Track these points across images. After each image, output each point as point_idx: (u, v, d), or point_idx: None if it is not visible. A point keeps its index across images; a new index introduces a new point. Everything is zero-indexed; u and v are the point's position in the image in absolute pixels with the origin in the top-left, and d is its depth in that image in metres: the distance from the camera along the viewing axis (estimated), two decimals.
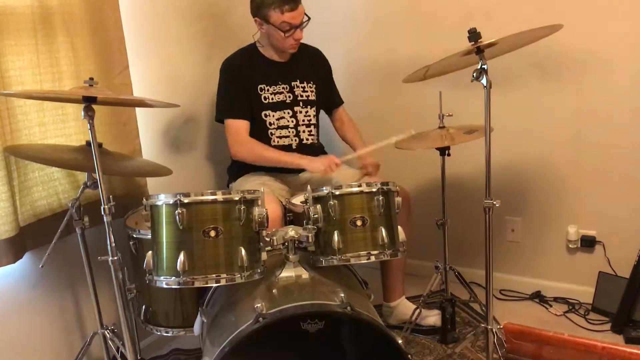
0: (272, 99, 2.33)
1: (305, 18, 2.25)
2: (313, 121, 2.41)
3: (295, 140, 2.36)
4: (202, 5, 2.56)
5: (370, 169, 2.34)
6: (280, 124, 2.34)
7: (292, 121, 2.36)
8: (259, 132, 2.33)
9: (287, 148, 2.34)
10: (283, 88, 2.35)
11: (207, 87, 2.56)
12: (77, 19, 1.95)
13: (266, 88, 2.32)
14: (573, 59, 2.39)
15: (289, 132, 2.35)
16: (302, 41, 2.43)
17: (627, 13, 2.25)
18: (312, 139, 2.40)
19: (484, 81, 1.75)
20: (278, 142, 2.35)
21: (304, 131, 2.38)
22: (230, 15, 2.49)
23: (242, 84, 2.31)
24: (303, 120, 2.38)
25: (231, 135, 2.30)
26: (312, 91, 2.41)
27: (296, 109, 2.37)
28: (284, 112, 2.34)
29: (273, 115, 2.33)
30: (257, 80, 2.32)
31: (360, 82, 2.87)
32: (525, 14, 2.42)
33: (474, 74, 1.76)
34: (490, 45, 1.75)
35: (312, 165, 2.21)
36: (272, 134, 2.33)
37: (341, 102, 2.60)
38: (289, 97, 2.36)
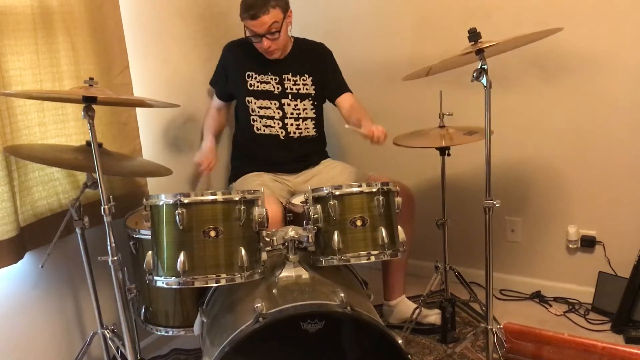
0: (257, 86, 2.36)
1: (274, 29, 2.20)
2: (303, 115, 2.39)
3: (282, 132, 2.38)
4: (202, 5, 2.56)
5: (377, 135, 2.07)
6: (264, 114, 2.37)
7: (279, 113, 2.37)
8: (244, 116, 2.40)
9: (273, 138, 2.37)
10: (271, 79, 2.36)
11: (207, 87, 2.56)
12: (77, 19, 1.95)
13: (254, 75, 2.36)
14: (574, 59, 2.38)
15: (274, 123, 2.37)
16: (306, 37, 2.43)
17: (628, 13, 2.25)
18: (299, 133, 2.40)
19: (484, 81, 1.75)
20: (264, 130, 2.37)
21: (291, 124, 2.38)
22: (230, 15, 2.49)
23: (229, 65, 2.42)
24: (291, 114, 2.38)
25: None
26: (304, 84, 2.39)
27: (284, 101, 2.37)
28: (270, 102, 2.36)
29: (255, 103, 2.36)
30: (247, 66, 2.37)
31: (360, 81, 2.85)
32: (525, 13, 2.42)
33: (474, 74, 1.76)
34: (490, 46, 1.75)
35: (196, 155, 2.37)
36: (254, 120, 2.37)
37: (346, 90, 2.47)
38: (277, 88, 2.37)
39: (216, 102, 2.54)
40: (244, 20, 2.22)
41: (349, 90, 2.49)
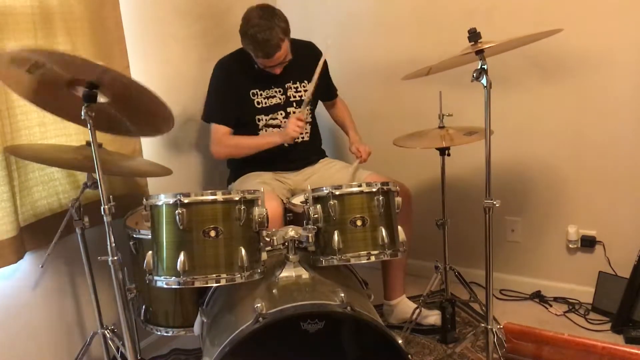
0: (266, 103, 2.34)
1: (287, 59, 2.22)
2: (306, 120, 2.41)
3: None
4: (202, 5, 2.56)
5: (362, 154, 2.37)
6: (271, 123, 2.36)
7: (284, 121, 2.36)
8: (249, 129, 2.35)
9: (279, 145, 2.34)
10: (276, 92, 2.35)
11: (206, 87, 2.55)
12: (77, 19, 1.95)
13: (259, 92, 2.33)
14: (573, 59, 2.39)
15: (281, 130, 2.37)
16: (306, 39, 2.43)
17: (627, 13, 2.25)
18: (302, 137, 2.40)
19: (484, 81, 1.75)
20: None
21: None
22: (230, 15, 2.49)
23: (232, 89, 2.32)
24: None
25: (214, 137, 2.34)
26: (305, 91, 2.39)
27: (289, 109, 2.37)
28: (277, 114, 2.36)
29: (265, 120, 2.35)
30: (250, 85, 2.32)
31: (360, 82, 2.87)
32: (525, 13, 2.42)
33: (474, 74, 1.76)
34: (489, 47, 1.75)
35: (285, 136, 2.23)
36: (262, 130, 2.36)
37: (336, 93, 2.63)
38: (282, 99, 2.36)
39: (228, 132, 2.33)
40: (256, 57, 2.19)
41: (337, 93, 2.64)
